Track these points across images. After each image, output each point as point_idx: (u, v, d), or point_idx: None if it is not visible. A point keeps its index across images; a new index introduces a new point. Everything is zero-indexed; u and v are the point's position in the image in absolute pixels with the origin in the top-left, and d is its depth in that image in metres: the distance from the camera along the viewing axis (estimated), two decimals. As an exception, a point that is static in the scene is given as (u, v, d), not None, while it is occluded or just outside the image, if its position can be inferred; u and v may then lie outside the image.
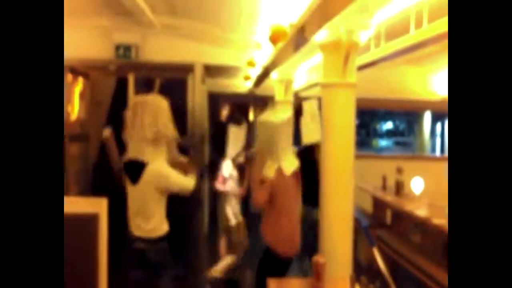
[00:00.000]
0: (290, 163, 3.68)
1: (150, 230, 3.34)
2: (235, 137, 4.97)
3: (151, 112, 3.27)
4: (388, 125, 14.43)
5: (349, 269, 3.39)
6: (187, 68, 5.60)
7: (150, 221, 3.32)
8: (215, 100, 7.86)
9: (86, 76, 6.01)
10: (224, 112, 10.86)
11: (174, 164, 3.50)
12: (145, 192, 3.30)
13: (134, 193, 3.35)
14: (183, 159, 3.67)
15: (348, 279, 2.97)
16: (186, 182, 3.41)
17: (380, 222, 6.62)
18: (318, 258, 2.93)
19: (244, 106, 9.95)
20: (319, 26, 2.79)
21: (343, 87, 3.62)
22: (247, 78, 5.91)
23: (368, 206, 7.07)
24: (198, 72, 5.57)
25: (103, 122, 6.27)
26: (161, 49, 5.45)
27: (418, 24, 3.29)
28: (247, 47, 5.27)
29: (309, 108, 4.77)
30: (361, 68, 4.25)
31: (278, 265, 3.64)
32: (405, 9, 3.38)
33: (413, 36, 3.23)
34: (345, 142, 3.60)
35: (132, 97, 5.52)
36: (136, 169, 3.32)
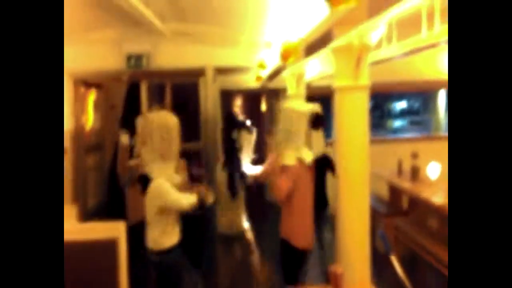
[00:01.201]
0: (307, 155, 3.66)
1: (156, 242, 3.40)
2: (248, 143, 4.99)
3: (162, 130, 3.33)
4: (402, 105, 14.28)
5: (367, 276, 3.40)
6: (198, 72, 5.61)
7: (154, 234, 3.38)
8: (227, 96, 7.86)
9: (98, 86, 6.07)
10: (238, 103, 10.86)
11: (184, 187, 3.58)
12: (149, 206, 3.38)
13: (145, 205, 3.45)
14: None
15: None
16: (184, 201, 3.41)
17: (397, 209, 6.62)
18: (335, 269, 2.89)
19: (257, 97, 9.92)
20: (330, 41, 2.78)
21: (356, 90, 3.60)
22: (258, 79, 5.89)
23: (384, 192, 7.07)
24: (209, 76, 5.58)
25: (116, 129, 6.34)
26: (171, 55, 5.47)
27: (431, 18, 3.24)
28: (257, 46, 5.26)
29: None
30: (373, 64, 4.22)
31: (296, 256, 3.68)
32: (416, 5, 3.33)
33: (425, 39, 3.20)
34: (359, 145, 3.59)
35: (145, 105, 5.56)
36: (145, 182, 3.40)
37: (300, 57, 3.10)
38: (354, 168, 3.55)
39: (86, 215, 5.39)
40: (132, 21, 4.41)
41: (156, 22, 4.41)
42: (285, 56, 2.68)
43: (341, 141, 3.62)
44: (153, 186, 3.36)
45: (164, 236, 3.41)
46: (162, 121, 3.36)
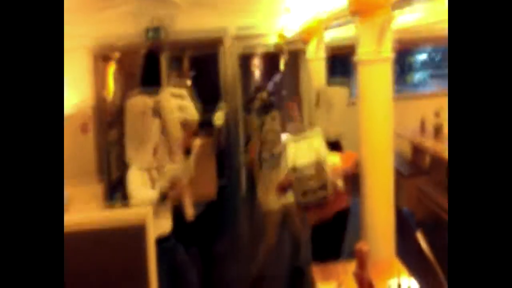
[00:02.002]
0: None
1: None
2: None
3: (126, 117, 3.30)
4: (423, 57, 13.88)
5: (392, 249, 3.44)
6: (217, 41, 5.56)
7: None
8: (245, 59, 7.77)
9: (118, 60, 6.07)
10: (255, 62, 10.75)
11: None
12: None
13: None
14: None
15: (392, 262, 3.08)
16: (140, 196, 3.31)
17: (419, 169, 6.61)
18: (361, 246, 2.94)
19: (275, 57, 9.75)
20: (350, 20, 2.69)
21: (379, 62, 3.53)
22: (277, 46, 5.78)
23: (407, 150, 7.04)
24: (228, 44, 5.52)
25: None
26: (190, 26, 5.43)
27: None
28: (275, 12, 5.14)
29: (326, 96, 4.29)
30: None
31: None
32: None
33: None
34: (383, 118, 3.55)
35: (165, 77, 5.56)
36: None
37: (321, 37, 3.02)
38: (377, 144, 3.52)
39: (111, 189, 5.54)
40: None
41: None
42: (307, 38, 2.62)
43: (364, 114, 3.58)
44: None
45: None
46: (132, 103, 3.30)
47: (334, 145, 4.29)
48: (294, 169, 3.53)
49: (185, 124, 3.78)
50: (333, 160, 3.70)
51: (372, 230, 3.51)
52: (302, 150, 3.61)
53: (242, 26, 5.52)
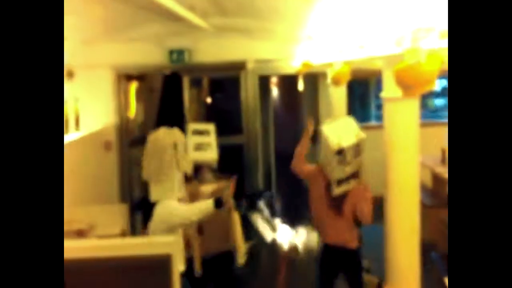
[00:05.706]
0: None
1: None
2: None
3: (149, 151, 3.07)
4: (443, 83, 13.77)
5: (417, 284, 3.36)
6: (239, 66, 5.58)
7: None
8: (264, 80, 7.74)
9: (140, 78, 6.13)
10: (273, 79, 10.74)
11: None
12: (155, 231, 3.10)
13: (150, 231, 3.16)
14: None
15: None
16: (196, 211, 3.11)
17: (441, 200, 6.47)
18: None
19: (294, 77, 9.72)
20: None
21: (405, 100, 3.47)
22: (300, 72, 5.73)
23: (427, 179, 6.91)
24: (250, 69, 5.53)
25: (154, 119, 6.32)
26: (213, 50, 5.48)
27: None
28: (298, 39, 5.15)
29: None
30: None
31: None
32: None
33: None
34: (410, 157, 3.49)
35: (187, 99, 5.60)
36: (149, 208, 3.16)
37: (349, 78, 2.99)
38: (404, 182, 3.46)
39: (133, 210, 5.52)
40: (174, 17, 4.36)
41: (197, 17, 4.37)
42: (337, 81, 2.60)
43: (391, 152, 3.52)
44: (158, 211, 3.10)
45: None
46: (150, 140, 3.08)
47: None
48: (340, 151, 3.29)
49: (200, 167, 3.65)
50: None
51: (397, 264, 3.45)
52: (343, 130, 3.36)
53: (265, 50, 5.54)
